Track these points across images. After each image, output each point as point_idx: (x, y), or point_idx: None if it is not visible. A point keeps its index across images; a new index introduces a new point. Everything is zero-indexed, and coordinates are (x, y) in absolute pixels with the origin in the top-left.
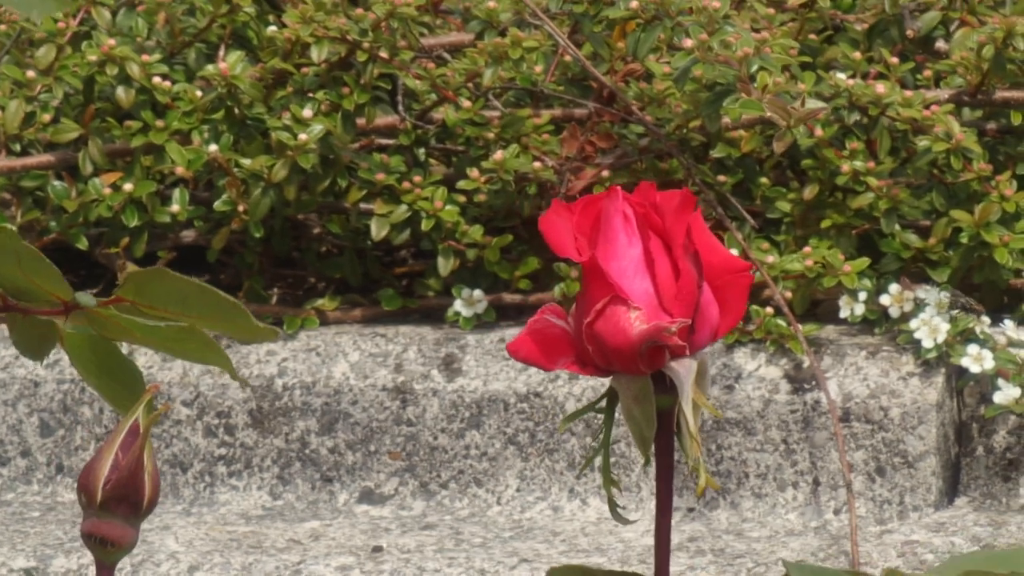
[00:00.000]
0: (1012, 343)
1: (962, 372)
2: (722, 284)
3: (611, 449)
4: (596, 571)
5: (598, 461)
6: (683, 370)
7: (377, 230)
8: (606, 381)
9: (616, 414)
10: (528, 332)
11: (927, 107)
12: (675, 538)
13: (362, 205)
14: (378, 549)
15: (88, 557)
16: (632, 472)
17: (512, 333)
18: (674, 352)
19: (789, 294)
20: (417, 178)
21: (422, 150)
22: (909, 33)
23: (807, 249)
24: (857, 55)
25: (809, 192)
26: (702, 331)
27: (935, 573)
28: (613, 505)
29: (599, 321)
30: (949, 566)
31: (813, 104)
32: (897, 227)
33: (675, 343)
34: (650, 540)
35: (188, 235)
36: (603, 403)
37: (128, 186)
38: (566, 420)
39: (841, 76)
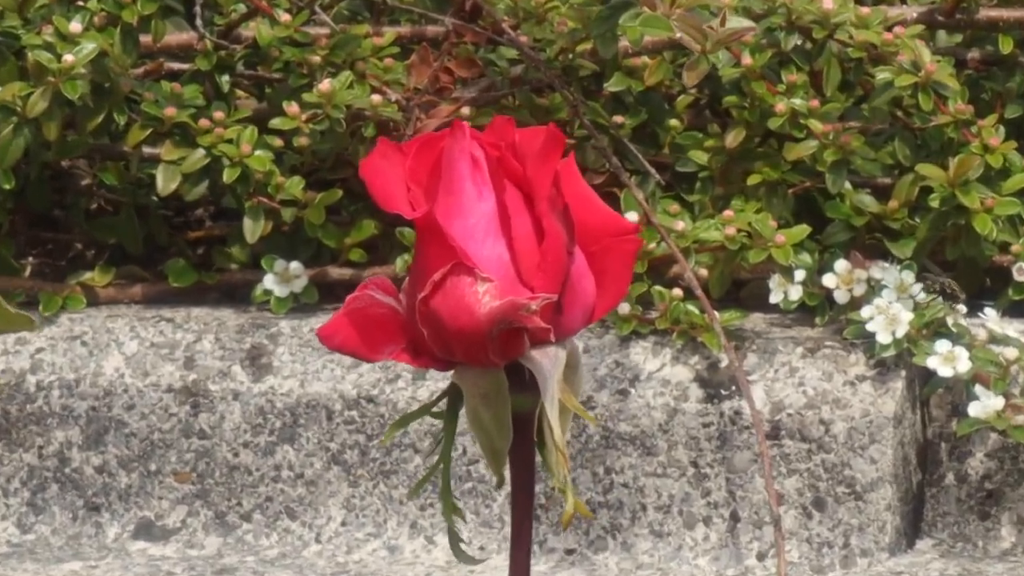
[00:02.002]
0: (994, 339)
1: (928, 376)
2: (601, 250)
3: (468, 470)
4: None
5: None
6: (547, 361)
7: (164, 182)
8: (449, 376)
9: (461, 419)
10: (346, 313)
11: (889, 29)
12: None
13: (146, 149)
14: None
15: None
16: (494, 501)
17: None
18: (536, 338)
19: (704, 272)
20: (219, 114)
21: (226, 77)
22: None
23: (729, 213)
24: None
25: (733, 138)
26: (573, 311)
27: None
28: (456, 540)
29: (437, 296)
30: None
31: (738, 23)
32: (847, 186)
33: (536, 325)
34: None
35: None
36: (443, 405)
37: None
38: (394, 427)
39: None
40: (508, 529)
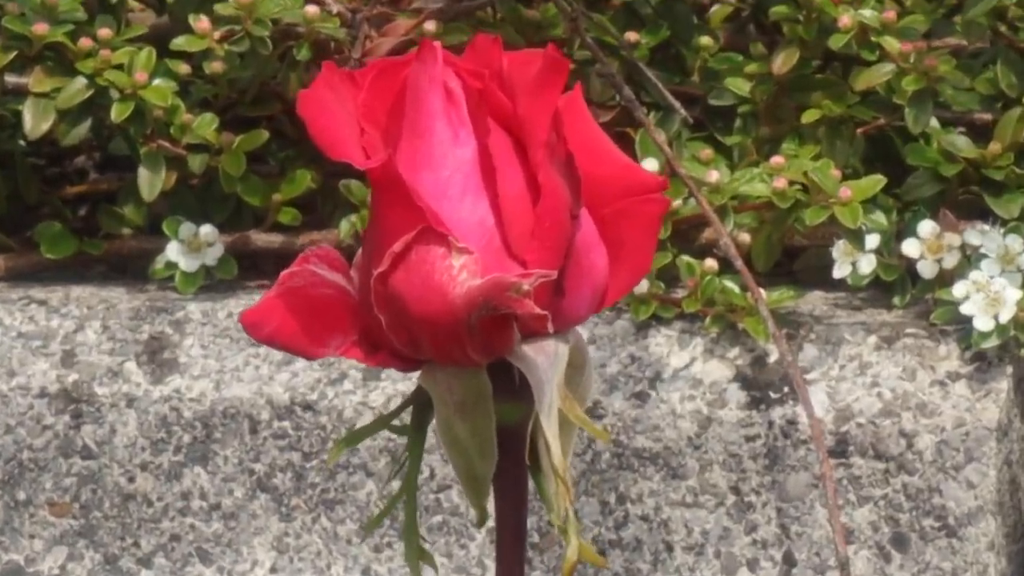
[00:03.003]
0: None
1: None
2: (615, 213)
3: (437, 499)
4: None
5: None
6: (543, 359)
7: (34, 122)
8: (415, 376)
9: (431, 433)
10: (280, 293)
11: None
12: None
13: (8, 78)
14: None
15: None
16: (472, 541)
17: None
18: (529, 327)
19: (746, 237)
20: (104, 31)
21: None
22: None
23: (778, 160)
24: None
25: (783, 61)
26: (578, 292)
27: None
28: None
29: (399, 272)
30: None
31: None
32: (935, 123)
33: (529, 311)
34: None
35: None
36: (406, 416)
37: None
38: (340, 445)
39: None
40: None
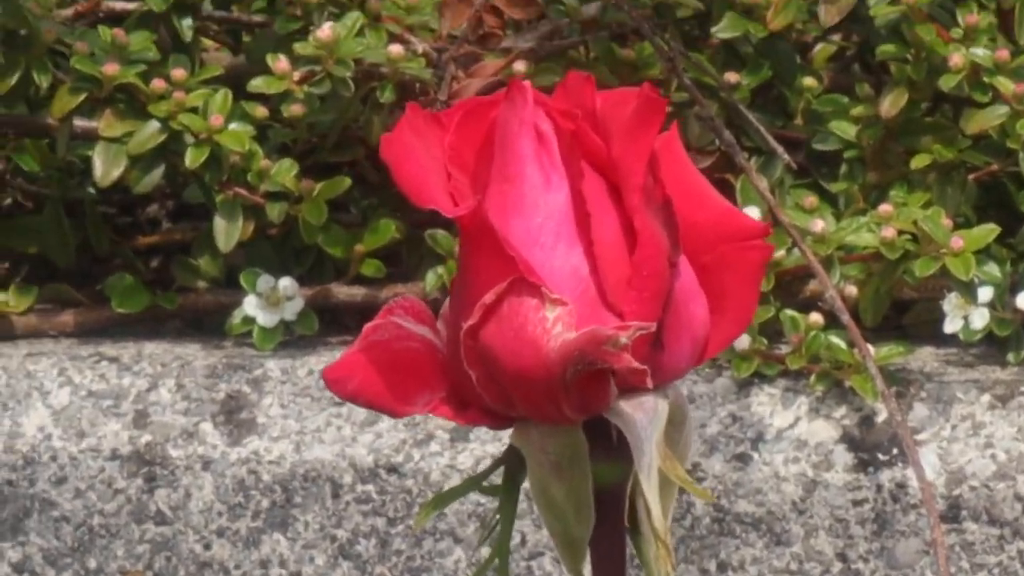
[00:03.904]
0: None
1: None
2: (715, 261)
3: (529, 568)
4: None
5: None
6: (643, 416)
7: (105, 168)
8: (505, 437)
9: (523, 496)
10: (363, 348)
11: None
12: None
13: (77, 122)
14: None
15: None
16: None
17: None
18: (627, 383)
19: (853, 290)
20: (179, 72)
21: (188, 21)
22: None
23: (886, 208)
24: None
25: (891, 104)
26: (677, 345)
27: None
28: None
29: (490, 325)
30: None
31: None
32: None
33: (628, 365)
34: None
35: None
36: (499, 476)
37: None
38: (427, 509)
39: None
40: None
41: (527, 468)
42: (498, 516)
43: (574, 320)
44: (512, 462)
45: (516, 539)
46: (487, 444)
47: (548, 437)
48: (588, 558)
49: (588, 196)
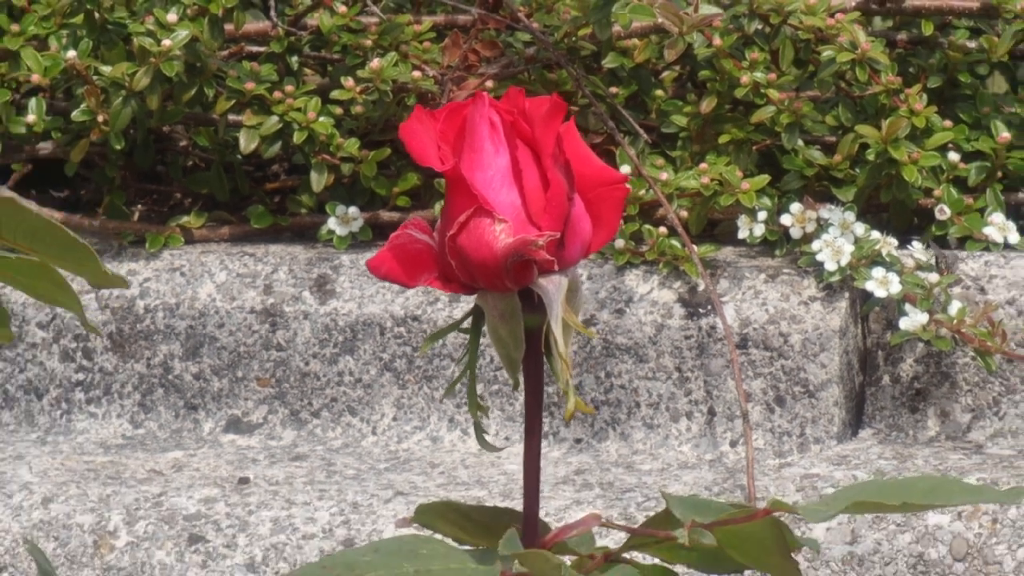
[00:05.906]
0: (920, 266)
1: (867, 297)
2: (595, 197)
3: (495, 375)
4: (465, 506)
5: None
6: (552, 287)
7: (246, 143)
8: (472, 300)
9: (484, 334)
10: (389, 248)
11: (832, 15)
12: (561, 470)
13: (231, 116)
14: (244, 481)
15: None
16: (516, 400)
17: None
18: (542, 268)
19: (684, 213)
20: (289, 88)
21: (295, 58)
22: None
23: (704, 166)
24: None
25: (707, 105)
26: (572, 246)
27: (824, 504)
28: (480, 431)
29: (462, 234)
30: (840, 496)
31: (708, 10)
32: (800, 143)
33: (543, 258)
34: None
35: (45, 147)
36: (468, 322)
37: None
38: (429, 340)
39: None
40: None
41: (485, 318)
42: (469, 345)
43: (512, 231)
44: (477, 314)
45: (487, 359)
46: (469, 303)
47: (497, 299)
48: (521, 370)
49: (521, 160)
